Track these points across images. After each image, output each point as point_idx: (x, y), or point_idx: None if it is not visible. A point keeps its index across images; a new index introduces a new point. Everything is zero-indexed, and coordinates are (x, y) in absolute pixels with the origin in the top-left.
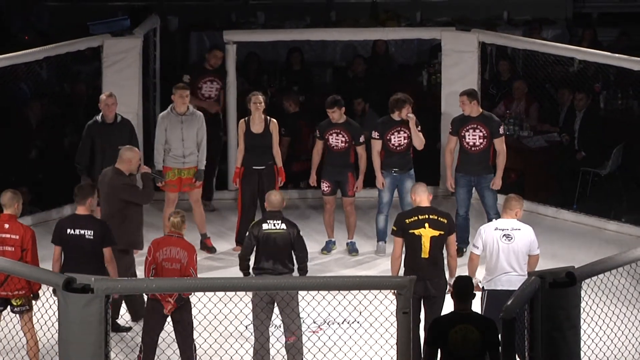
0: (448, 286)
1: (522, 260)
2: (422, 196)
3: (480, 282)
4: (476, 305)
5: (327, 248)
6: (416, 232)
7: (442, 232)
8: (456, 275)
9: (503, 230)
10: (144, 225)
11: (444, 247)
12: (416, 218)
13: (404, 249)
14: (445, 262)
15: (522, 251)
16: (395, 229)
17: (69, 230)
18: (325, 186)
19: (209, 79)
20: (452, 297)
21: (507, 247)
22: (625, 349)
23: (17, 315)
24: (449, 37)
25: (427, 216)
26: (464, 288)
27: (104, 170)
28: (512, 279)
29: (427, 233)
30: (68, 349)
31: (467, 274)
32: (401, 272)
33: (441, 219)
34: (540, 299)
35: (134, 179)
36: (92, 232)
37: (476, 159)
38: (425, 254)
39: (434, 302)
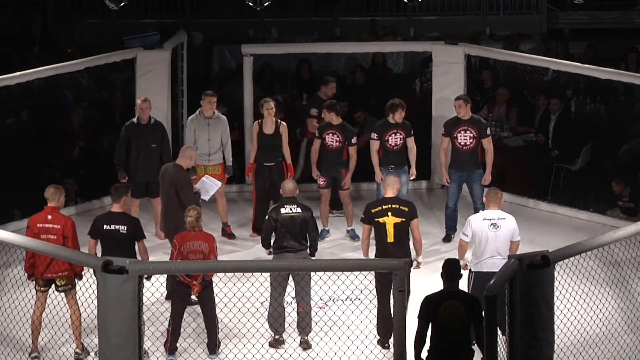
0: (414, 263)
1: (506, 245)
2: (386, 188)
3: (468, 263)
4: (462, 285)
5: (321, 235)
6: (381, 220)
7: (404, 219)
8: (420, 256)
9: (490, 220)
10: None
11: (409, 231)
12: (380, 208)
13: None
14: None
15: (506, 238)
16: (363, 217)
17: (105, 226)
18: (321, 181)
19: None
20: (442, 278)
21: (494, 235)
22: (593, 322)
23: (63, 294)
24: (438, 50)
25: (390, 206)
26: (452, 269)
27: (164, 166)
28: (496, 262)
29: (390, 220)
30: (106, 322)
31: (456, 257)
32: (372, 254)
33: (402, 208)
34: (518, 279)
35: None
36: (125, 227)
37: (467, 157)
38: (390, 238)
39: None
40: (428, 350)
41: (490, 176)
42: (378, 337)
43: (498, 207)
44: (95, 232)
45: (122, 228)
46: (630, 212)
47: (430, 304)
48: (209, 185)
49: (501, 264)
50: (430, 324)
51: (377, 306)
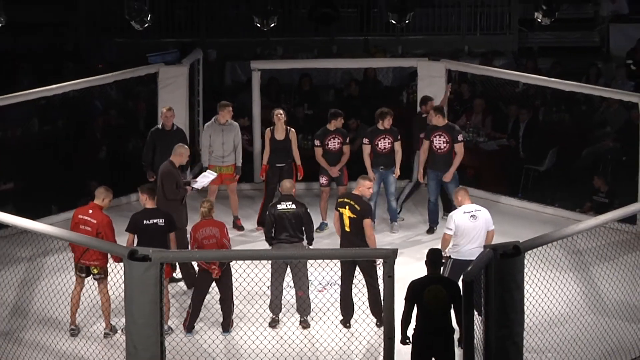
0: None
1: (483, 235)
2: (357, 187)
3: (449, 253)
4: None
5: (321, 227)
6: (340, 210)
7: (356, 216)
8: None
9: (469, 212)
10: (192, 210)
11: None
12: (343, 200)
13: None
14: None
15: (483, 227)
16: (335, 206)
17: (144, 221)
18: (324, 180)
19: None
20: (426, 265)
21: (473, 225)
22: (558, 304)
23: (96, 281)
24: (423, 66)
25: (349, 201)
26: (435, 257)
27: (162, 164)
28: (474, 252)
29: (346, 213)
30: (132, 305)
31: (439, 247)
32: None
33: (357, 206)
34: (493, 266)
35: (184, 175)
36: (162, 220)
37: (441, 159)
38: (347, 227)
39: (365, 266)
40: (414, 329)
41: (451, 175)
42: (341, 317)
43: (471, 202)
44: (134, 228)
45: (160, 222)
46: (603, 208)
47: (415, 288)
48: (206, 177)
49: (478, 253)
50: (416, 305)
51: (340, 291)
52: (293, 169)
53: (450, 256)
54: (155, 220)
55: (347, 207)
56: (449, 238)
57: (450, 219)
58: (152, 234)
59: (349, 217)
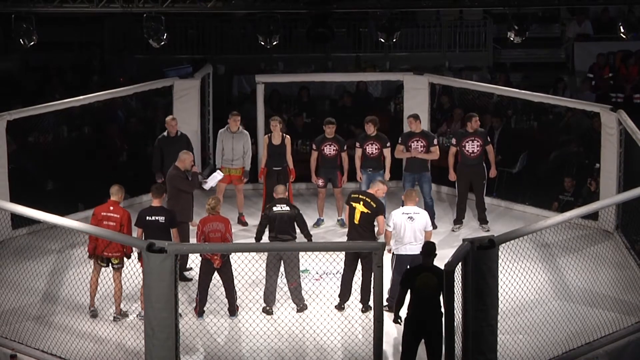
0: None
1: (420, 234)
2: (372, 187)
3: (392, 248)
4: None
5: (317, 223)
6: (353, 204)
7: (370, 212)
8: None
9: (408, 214)
10: (201, 205)
11: (373, 222)
12: (357, 196)
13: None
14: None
15: (419, 228)
16: (346, 200)
17: (148, 217)
18: (320, 182)
19: (470, 139)
20: (421, 255)
21: (410, 226)
22: (528, 291)
23: (113, 270)
24: (408, 79)
25: (365, 198)
26: (429, 249)
27: (169, 170)
28: (413, 248)
29: (359, 208)
30: (150, 292)
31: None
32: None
33: (372, 203)
34: (471, 257)
35: (193, 176)
36: (163, 217)
37: (418, 162)
38: (356, 220)
39: (365, 255)
40: (407, 312)
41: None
42: (338, 301)
43: (414, 204)
44: (140, 223)
45: (161, 219)
46: (569, 206)
47: (409, 275)
48: (215, 178)
49: (417, 249)
50: (409, 290)
51: (342, 277)
52: (287, 172)
53: (393, 252)
54: (156, 217)
55: (361, 202)
56: (389, 234)
57: (390, 217)
58: (155, 229)
59: (361, 212)
